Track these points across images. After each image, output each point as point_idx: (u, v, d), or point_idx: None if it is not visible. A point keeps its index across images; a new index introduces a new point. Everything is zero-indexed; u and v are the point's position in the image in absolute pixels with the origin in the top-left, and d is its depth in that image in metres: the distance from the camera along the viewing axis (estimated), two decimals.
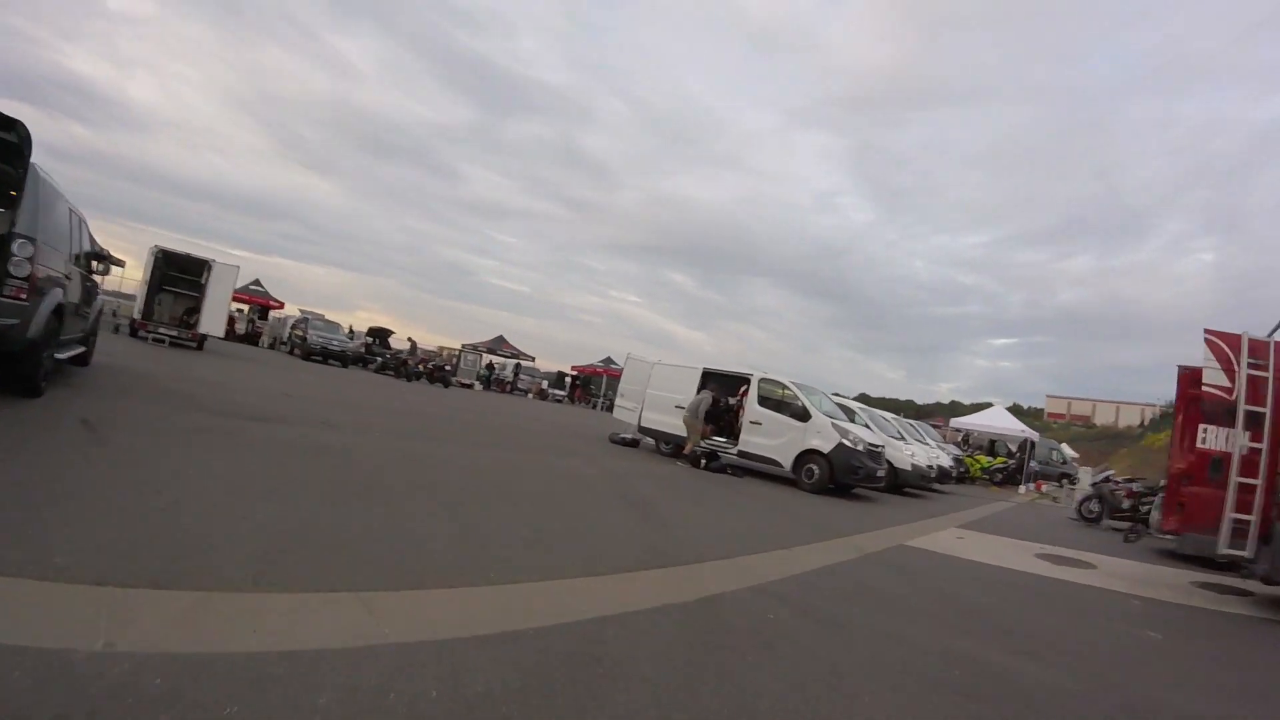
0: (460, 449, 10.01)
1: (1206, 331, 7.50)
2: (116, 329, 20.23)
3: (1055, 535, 12.42)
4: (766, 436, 14.22)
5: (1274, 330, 7.73)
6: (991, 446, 30.92)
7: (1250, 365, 7.17)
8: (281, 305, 34.53)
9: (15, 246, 5.82)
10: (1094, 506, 15.60)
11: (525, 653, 2.96)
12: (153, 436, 6.21)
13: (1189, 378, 8.87)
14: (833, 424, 13.79)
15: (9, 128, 6.13)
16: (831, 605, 4.79)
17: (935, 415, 57.36)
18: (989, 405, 42.64)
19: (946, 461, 19.97)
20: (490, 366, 41.45)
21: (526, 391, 39.49)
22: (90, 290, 9.58)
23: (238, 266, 19.72)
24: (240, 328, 33.94)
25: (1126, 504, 14.45)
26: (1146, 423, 60.19)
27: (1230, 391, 7.23)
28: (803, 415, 13.77)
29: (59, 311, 6.88)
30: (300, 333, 28.43)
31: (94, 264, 9.48)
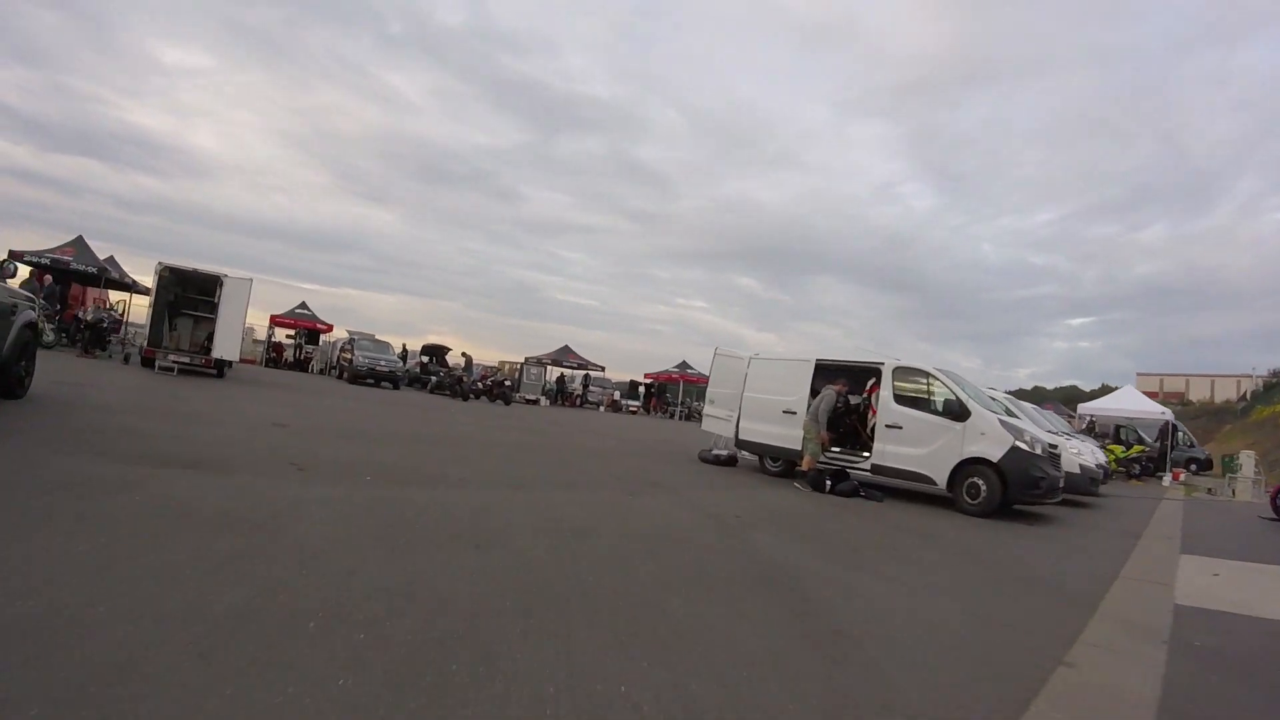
0: (491, 494, 6.64)
1: None
2: (127, 358, 18.09)
3: None
4: (909, 444, 10.52)
5: None
6: (1118, 433, 26.40)
7: None
8: (330, 328, 32.63)
9: None
10: None
11: None
12: None
13: None
14: (1000, 421, 10.02)
15: None
16: None
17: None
18: (1113, 389, 36.92)
19: (1102, 457, 15.73)
20: (561, 379, 38.52)
21: (598, 404, 36.35)
22: None
23: (250, 279, 17.26)
24: (289, 355, 32.31)
25: None
26: (1246, 395, 56.43)
27: None
28: (958, 413, 10.20)
29: None
30: (347, 355, 26.13)
31: None
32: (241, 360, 35.10)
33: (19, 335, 7.39)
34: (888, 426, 10.84)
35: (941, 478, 10.06)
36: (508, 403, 25.64)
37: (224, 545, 3.58)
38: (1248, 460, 24.03)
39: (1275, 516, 12.78)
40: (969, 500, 9.70)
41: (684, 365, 38.88)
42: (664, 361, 41.13)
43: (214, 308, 17.10)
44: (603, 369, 38.44)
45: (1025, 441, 9.81)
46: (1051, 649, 3.64)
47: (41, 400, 8.17)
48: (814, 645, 3.28)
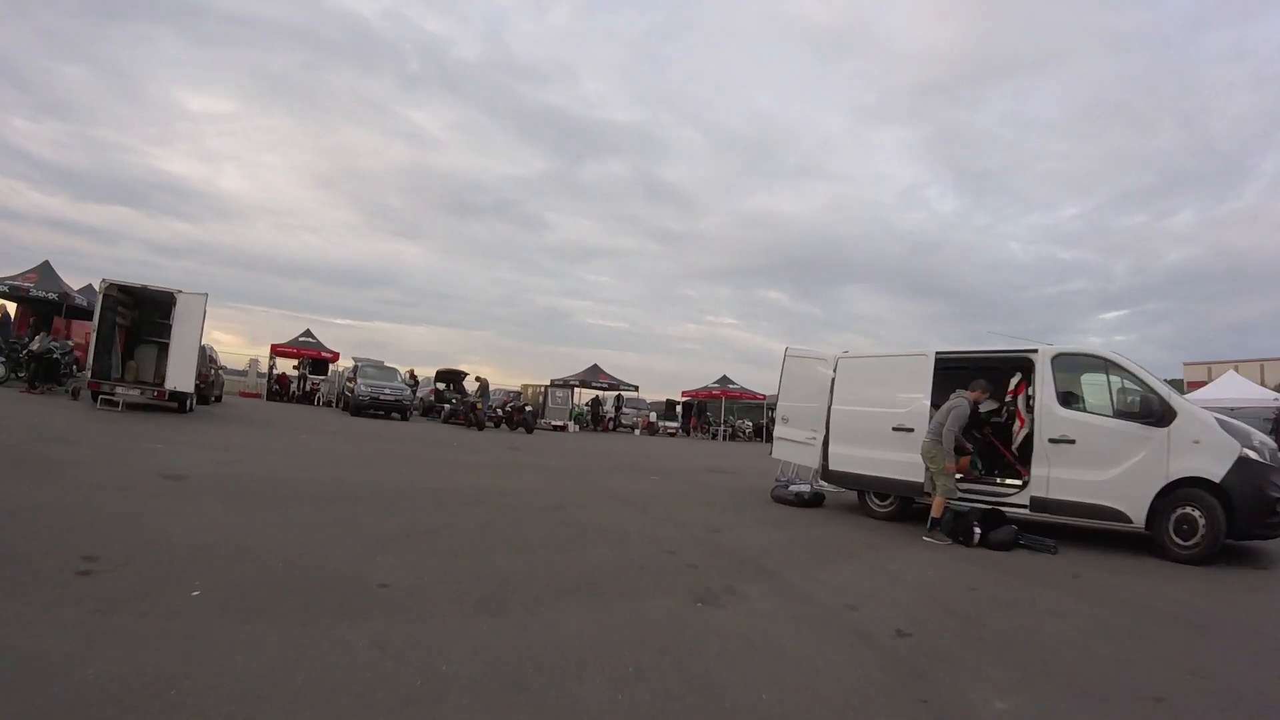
0: (432, 632, 3.32)
1: None
2: (75, 394, 15.33)
3: None
4: (1086, 465, 7.33)
5: None
6: None
7: None
8: (335, 356, 29.89)
9: None
10: None
11: None
12: None
13: None
14: (1219, 421, 6.98)
15: None
16: None
17: None
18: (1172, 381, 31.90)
19: None
20: (596, 402, 35.21)
21: (632, 427, 32.97)
22: None
23: (205, 294, 14.39)
24: (295, 387, 29.69)
25: None
26: None
27: None
28: (1159, 414, 7.01)
29: None
30: (351, 385, 23.28)
31: None
32: (242, 394, 33.11)
33: None
34: (1052, 441, 7.44)
35: (1138, 512, 6.80)
36: (530, 430, 22.44)
37: None
38: None
39: None
40: (1179, 542, 6.56)
41: (725, 380, 35.33)
42: (697, 380, 37.62)
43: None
44: (636, 388, 35.09)
45: (1255, 448, 6.61)
46: None
47: None
48: None
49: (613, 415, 33.69)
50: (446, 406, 24.37)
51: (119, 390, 13.90)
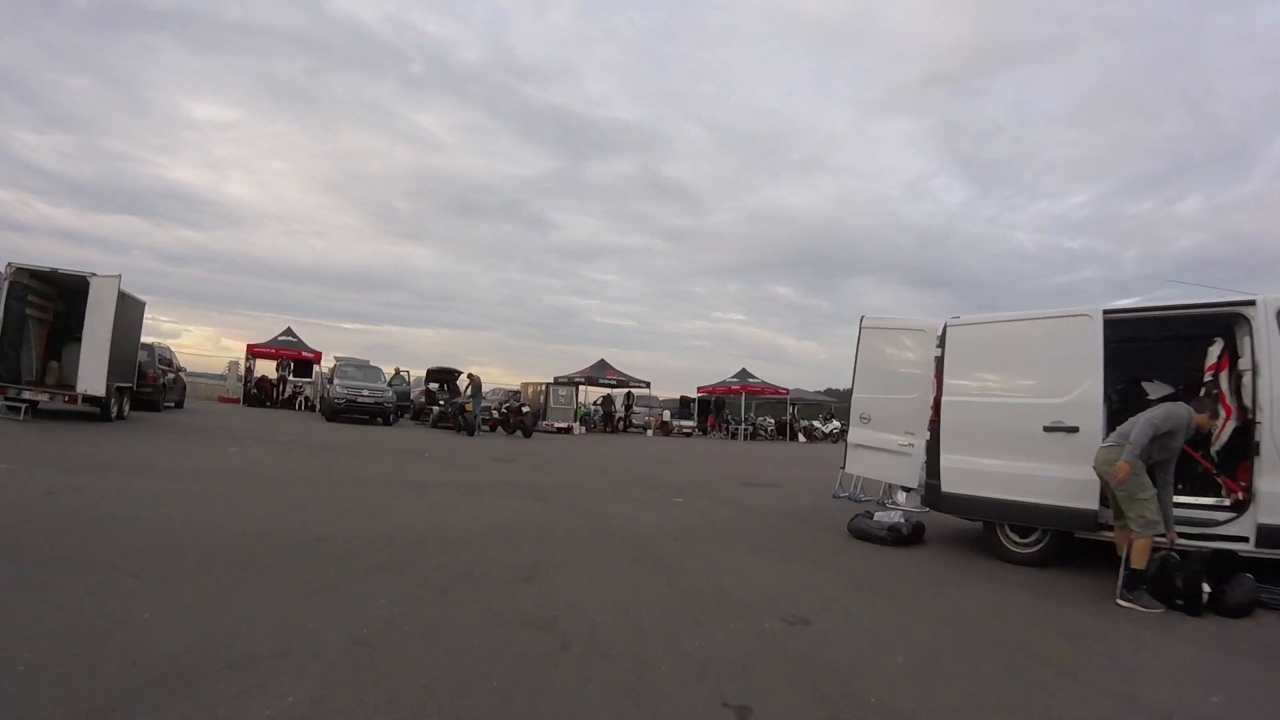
0: None
1: None
2: None
3: None
4: None
5: None
6: None
7: None
8: (318, 356, 27.17)
9: None
10: None
11: None
12: None
13: None
14: None
15: None
16: None
17: None
18: None
19: None
20: (608, 401, 32.55)
21: (644, 427, 30.17)
22: None
23: (118, 277, 11.77)
24: (278, 390, 27.09)
25: None
26: None
27: None
28: None
29: None
30: (330, 386, 20.67)
31: None
32: (222, 400, 30.51)
33: None
34: None
35: None
36: (528, 434, 19.71)
37: None
38: None
39: None
40: None
41: (744, 375, 32.46)
42: (707, 377, 34.84)
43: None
44: (647, 385, 32.25)
45: None
46: None
47: None
48: None
49: (623, 415, 30.92)
50: (435, 409, 21.71)
51: (27, 394, 11.34)
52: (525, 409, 20.50)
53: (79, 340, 13.34)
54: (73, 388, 11.74)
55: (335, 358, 23.97)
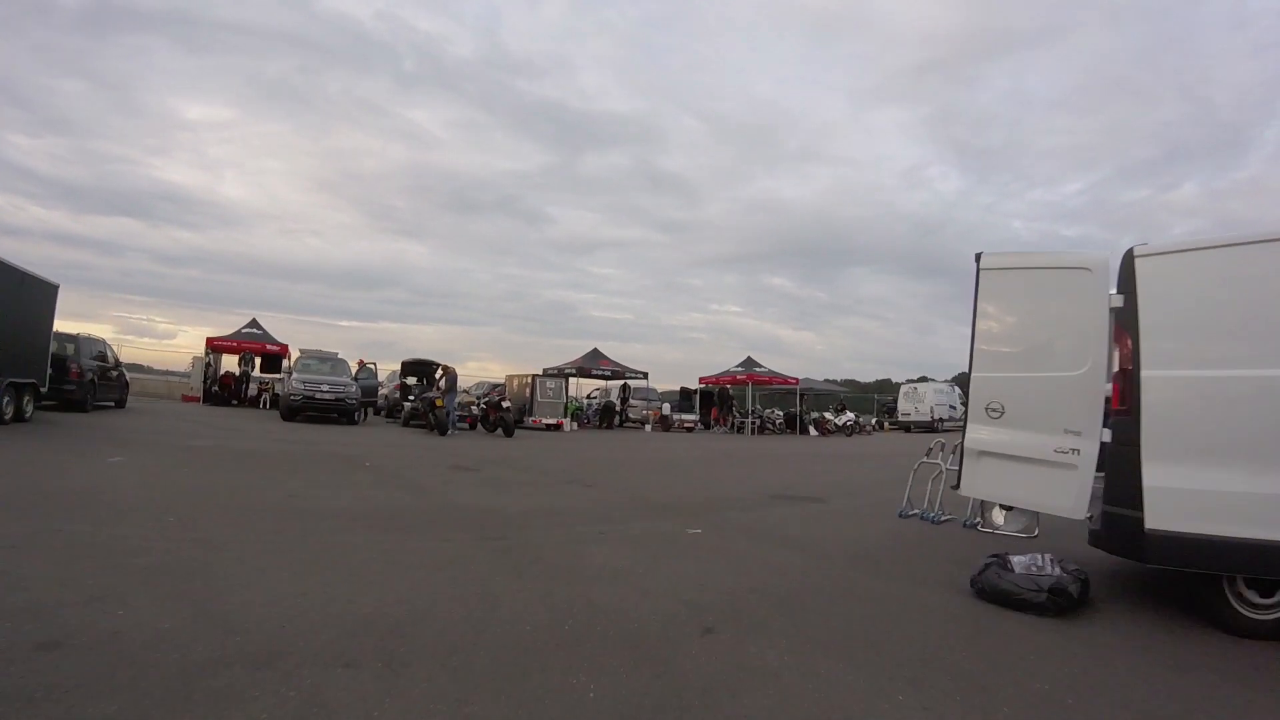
0: None
1: None
2: None
3: None
4: None
5: None
6: None
7: None
8: (284, 349, 24.58)
9: None
10: None
11: None
12: None
13: None
14: None
15: None
16: None
17: None
18: None
19: None
20: (606, 392, 30.09)
21: (642, 422, 27.69)
22: None
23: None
24: (243, 387, 24.58)
25: None
26: None
27: None
28: None
29: None
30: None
31: None
32: (185, 399, 28.06)
33: None
34: None
35: None
36: (509, 433, 17.22)
37: None
38: None
39: None
40: None
41: (750, 364, 29.95)
42: (706, 368, 32.43)
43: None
44: (645, 375, 29.69)
45: None
46: None
47: None
48: None
49: (619, 408, 28.44)
50: (407, 405, 19.22)
51: None
52: (505, 404, 17.98)
53: None
54: None
55: (300, 350, 21.50)
